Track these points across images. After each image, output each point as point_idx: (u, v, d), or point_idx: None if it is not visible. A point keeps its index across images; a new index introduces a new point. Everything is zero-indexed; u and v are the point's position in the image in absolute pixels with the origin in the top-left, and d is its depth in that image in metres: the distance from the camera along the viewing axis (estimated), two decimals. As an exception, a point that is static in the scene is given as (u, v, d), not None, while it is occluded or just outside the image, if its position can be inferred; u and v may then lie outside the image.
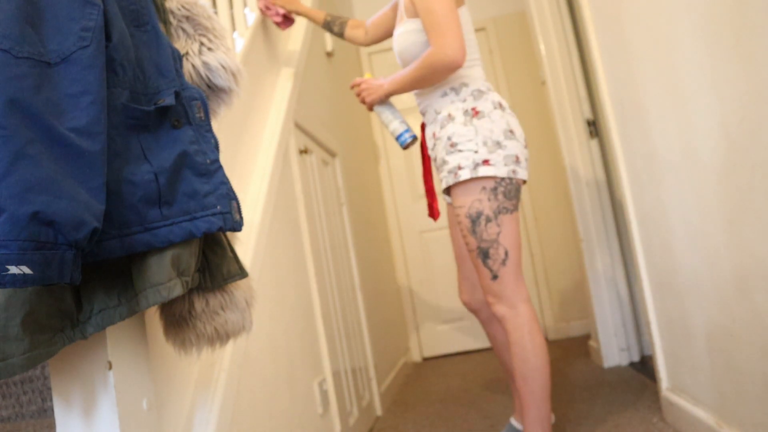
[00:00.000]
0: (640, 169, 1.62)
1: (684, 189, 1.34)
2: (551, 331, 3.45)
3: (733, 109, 1.07)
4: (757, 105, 0.99)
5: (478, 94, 1.49)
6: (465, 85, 1.50)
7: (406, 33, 1.53)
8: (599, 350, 2.48)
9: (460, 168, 1.43)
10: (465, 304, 1.70)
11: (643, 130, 1.55)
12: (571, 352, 2.92)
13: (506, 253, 1.44)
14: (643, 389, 2.03)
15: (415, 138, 1.57)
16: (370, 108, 1.64)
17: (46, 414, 1.24)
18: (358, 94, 1.65)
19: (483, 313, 1.68)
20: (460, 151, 1.44)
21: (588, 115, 2.55)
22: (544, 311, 3.47)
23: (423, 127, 1.64)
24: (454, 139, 1.45)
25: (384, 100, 1.61)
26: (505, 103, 1.50)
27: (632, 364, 2.41)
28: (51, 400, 1.22)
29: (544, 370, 1.44)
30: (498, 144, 1.43)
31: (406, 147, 1.57)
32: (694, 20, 1.16)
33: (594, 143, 2.54)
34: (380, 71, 3.72)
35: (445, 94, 1.52)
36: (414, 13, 1.50)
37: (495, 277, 1.44)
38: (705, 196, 1.24)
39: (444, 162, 1.48)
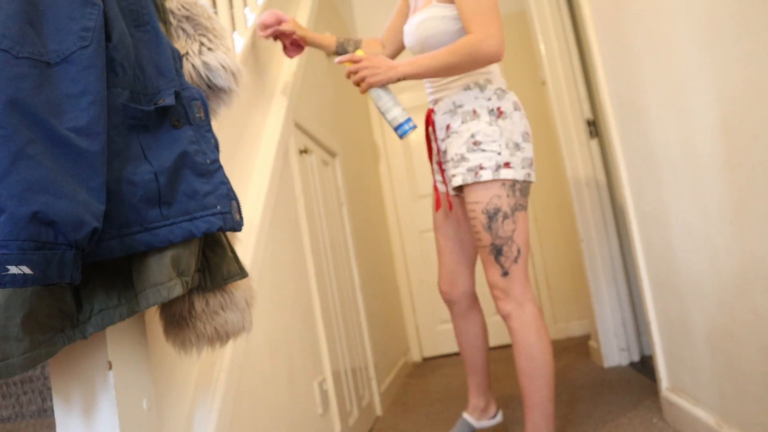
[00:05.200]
0: (640, 169, 1.62)
1: (684, 189, 1.34)
2: (551, 331, 3.45)
3: (733, 109, 1.07)
4: (757, 105, 0.99)
5: (501, 93, 1.47)
6: (489, 81, 1.47)
7: (435, 19, 1.45)
8: (599, 350, 2.48)
9: (481, 168, 1.41)
10: (443, 293, 1.67)
11: (643, 130, 1.55)
12: (571, 352, 2.92)
13: (518, 251, 1.42)
14: (643, 389, 2.03)
15: (415, 128, 1.47)
16: (365, 90, 1.46)
17: (46, 414, 1.24)
18: (355, 72, 1.45)
19: (459, 306, 1.65)
20: (483, 150, 1.41)
21: (588, 115, 2.55)
22: (544, 311, 3.47)
23: (429, 114, 1.57)
24: (479, 138, 1.43)
25: (389, 83, 1.45)
26: (520, 104, 1.49)
27: (632, 364, 2.41)
28: (51, 400, 1.22)
29: (550, 369, 1.43)
30: (517, 146, 1.42)
31: (404, 137, 1.46)
32: (694, 20, 1.16)
33: (594, 143, 2.54)
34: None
35: (468, 88, 1.47)
36: None
37: (505, 273, 1.42)
38: (705, 196, 1.24)
39: (463, 158, 1.44)
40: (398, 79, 1.43)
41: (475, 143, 1.42)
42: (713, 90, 1.13)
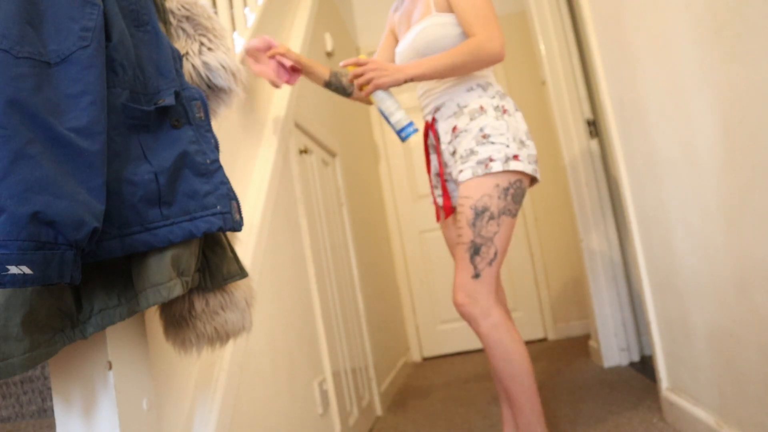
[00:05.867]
0: (640, 168, 1.62)
1: (684, 189, 1.34)
2: (551, 331, 3.45)
3: (733, 109, 1.07)
4: (757, 105, 0.99)
5: (502, 95, 1.51)
6: (489, 84, 1.52)
7: (437, 26, 1.49)
8: (599, 350, 2.48)
9: (491, 160, 1.41)
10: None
11: (643, 130, 1.55)
12: (571, 352, 2.92)
13: (495, 254, 1.42)
14: (643, 389, 2.03)
15: (417, 131, 1.48)
16: (370, 92, 1.47)
17: (46, 414, 1.24)
18: (361, 74, 1.46)
19: None
20: (492, 143, 1.43)
21: (588, 115, 2.55)
22: (544, 311, 3.47)
23: (428, 125, 1.57)
24: (487, 131, 1.44)
25: (395, 86, 1.46)
26: (518, 107, 1.52)
27: (632, 364, 2.41)
28: (51, 400, 1.22)
29: (529, 367, 1.41)
30: (522, 143, 1.45)
31: (406, 140, 1.48)
32: (694, 20, 1.16)
33: (594, 143, 2.53)
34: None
35: (471, 89, 1.50)
36: (446, 8, 1.49)
37: (477, 275, 1.41)
38: (705, 196, 1.24)
39: (472, 152, 1.44)
40: (405, 81, 1.44)
41: (484, 136, 1.44)
42: (713, 90, 1.13)
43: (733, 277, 1.17)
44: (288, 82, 1.70)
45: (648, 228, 1.64)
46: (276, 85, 1.66)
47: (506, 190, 1.42)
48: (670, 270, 1.52)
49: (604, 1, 1.69)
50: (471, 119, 1.47)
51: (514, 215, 1.44)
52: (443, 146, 1.55)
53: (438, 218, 1.59)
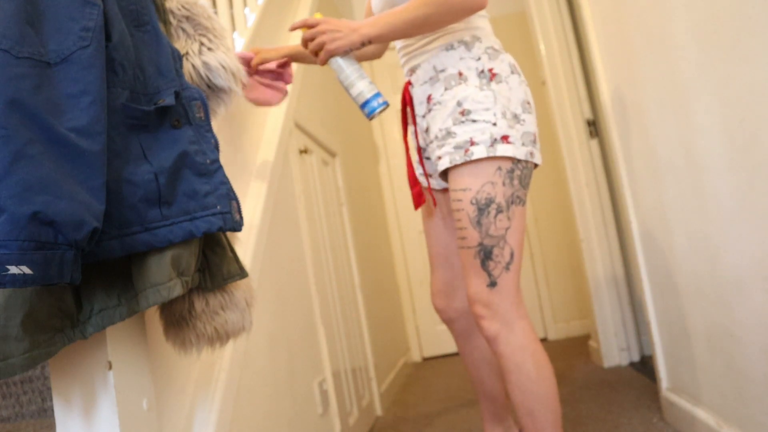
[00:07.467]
0: (640, 169, 1.62)
1: (684, 189, 1.34)
2: (551, 331, 3.45)
3: (733, 109, 1.07)
4: (757, 105, 0.99)
5: (493, 52, 1.19)
6: (477, 39, 1.20)
7: None
8: (599, 350, 2.48)
9: (472, 143, 1.13)
10: (439, 311, 1.40)
11: (643, 130, 1.55)
12: (571, 352, 2.92)
13: (511, 256, 1.14)
14: (643, 389, 2.03)
15: (386, 106, 1.16)
16: (325, 61, 1.17)
17: (46, 414, 1.24)
18: (311, 39, 1.16)
19: (459, 324, 1.39)
20: (473, 121, 1.13)
21: (588, 115, 2.55)
22: (544, 311, 3.47)
23: (406, 89, 1.28)
24: (467, 106, 1.15)
25: (353, 50, 1.16)
26: (518, 67, 1.22)
27: (632, 364, 2.41)
28: (51, 400, 1.22)
29: (554, 400, 1.14)
30: (516, 117, 1.15)
31: (372, 117, 1.16)
32: (694, 20, 1.16)
33: (594, 143, 2.54)
34: (381, 71, 3.72)
35: (451, 48, 1.19)
36: None
37: (493, 284, 1.14)
38: (705, 196, 1.24)
39: (449, 134, 1.16)
40: (362, 44, 1.15)
41: (463, 113, 1.15)
42: (713, 90, 1.13)
43: (733, 277, 1.17)
44: (286, 81, 1.49)
45: (648, 228, 1.64)
46: (264, 103, 1.44)
47: (511, 172, 1.14)
48: (670, 270, 1.52)
49: (604, 1, 1.69)
50: (446, 89, 1.18)
51: (524, 203, 1.17)
52: (418, 119, 1.27)
53: (417, 204, 1.31)
